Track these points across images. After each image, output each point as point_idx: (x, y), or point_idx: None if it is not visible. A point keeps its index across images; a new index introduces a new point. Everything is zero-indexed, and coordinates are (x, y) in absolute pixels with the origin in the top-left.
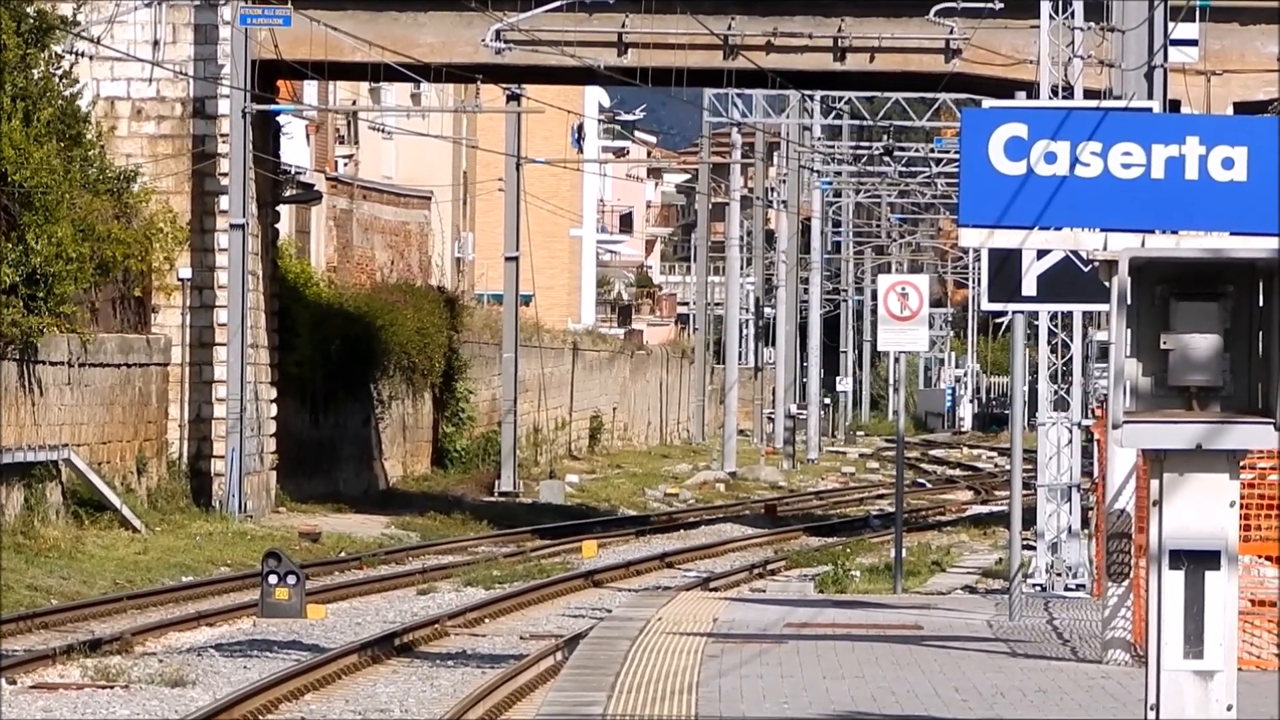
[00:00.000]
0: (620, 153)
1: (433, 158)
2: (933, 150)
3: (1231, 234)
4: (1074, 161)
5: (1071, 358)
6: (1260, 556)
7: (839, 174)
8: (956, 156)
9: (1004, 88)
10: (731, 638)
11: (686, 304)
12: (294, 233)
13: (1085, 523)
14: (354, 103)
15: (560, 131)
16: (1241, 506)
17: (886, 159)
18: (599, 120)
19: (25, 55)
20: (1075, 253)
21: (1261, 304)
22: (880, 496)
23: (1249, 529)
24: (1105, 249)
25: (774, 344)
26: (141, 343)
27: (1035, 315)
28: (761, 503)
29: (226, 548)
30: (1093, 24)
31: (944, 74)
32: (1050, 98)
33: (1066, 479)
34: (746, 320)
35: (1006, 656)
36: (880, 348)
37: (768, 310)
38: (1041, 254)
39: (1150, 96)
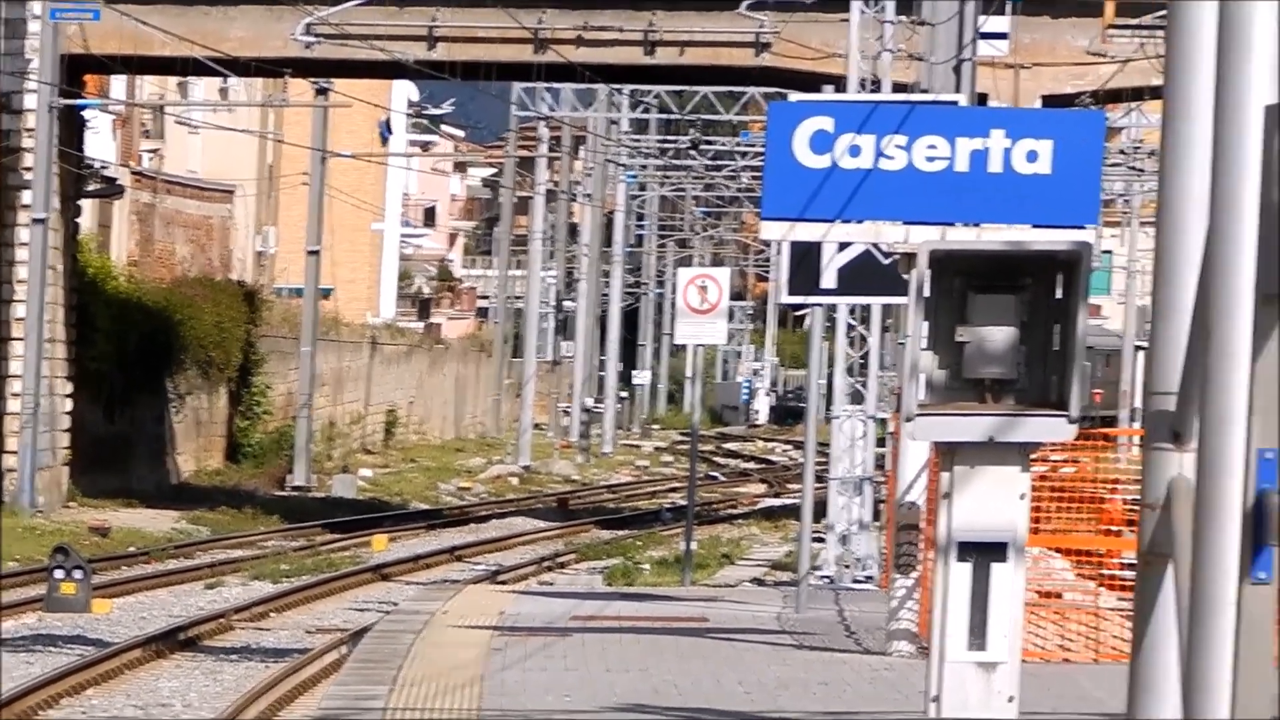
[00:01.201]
0: (427, 147)
1: (239, 152)
2: (739, 144)
3: (1034, 226)
4: (879, 155)
5: (869, 351)
6: (1049, 548)
7: (644, 167)
8: (763, 150)
9: (813, 82)
10: (517, 631)
11: (488, 297)
12: (95, 227)
13: (876, 516)
14: (161, 97)
15: (368, 126)
16: (1032, 498)
17: (693, 152)
18: (407, 115)
19: None
20: (876, 246)
21: (1059, 296)
22: (673, 490)
23: (1039, 521)
24: (906, 241)
25: (573, 337)
26: None
27: (834, 308)
28: (554, 496)
29: (16, 543)
30: (903, 18)
31: (753, 68)
32: (859, 91)
33: (860, 472)
34: (546, 314)
35: (792, 649)
36: (678, 340)
37: (568, 304)
38: (843, 247)
39: (959, 90)
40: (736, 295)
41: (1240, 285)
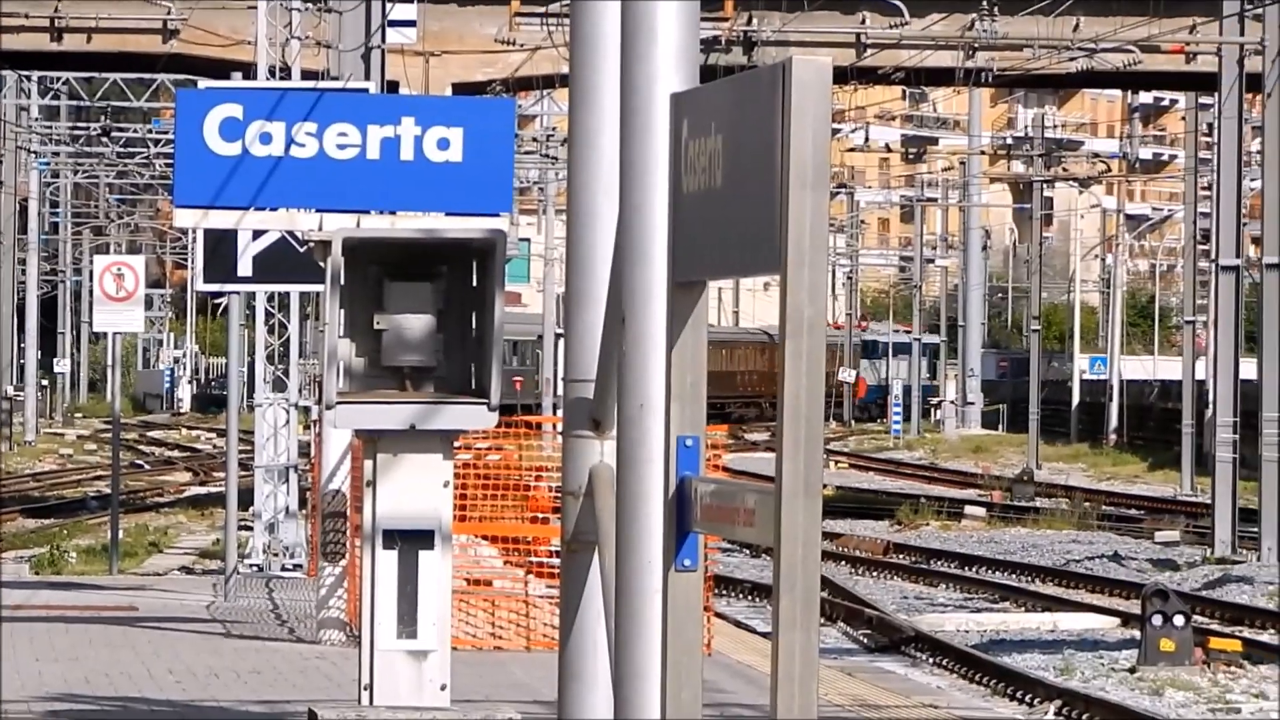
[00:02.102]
0: None
1: None
2: (151, 131)
3: (447, 214)
4: (290, 142)
5: (289, 338)
6: (477, 536)
7: (57, 154)
8: (175, 137)
9: (223, 68)
10: None
11: None
12: None
13: (303, 503)
14: None
15: None
16: (459, 486)
17: (104, 139)
18: None
19: None
20: (292, 233)
21: (475, 284)
22: (98, 478)
23: (466, 508)
24: (320, 230)
25: None
26: None
27: (253, 296)
28: None
29: None
30: (311, 5)
31: (162, 54)
32: (268, 79)
33: (284, 460)
34: None
35: (222, 638)
36: (97, 328)
37: None
38: (258, 234)
39: (368, 78)
40: (155, 283)
41: (653, 272)
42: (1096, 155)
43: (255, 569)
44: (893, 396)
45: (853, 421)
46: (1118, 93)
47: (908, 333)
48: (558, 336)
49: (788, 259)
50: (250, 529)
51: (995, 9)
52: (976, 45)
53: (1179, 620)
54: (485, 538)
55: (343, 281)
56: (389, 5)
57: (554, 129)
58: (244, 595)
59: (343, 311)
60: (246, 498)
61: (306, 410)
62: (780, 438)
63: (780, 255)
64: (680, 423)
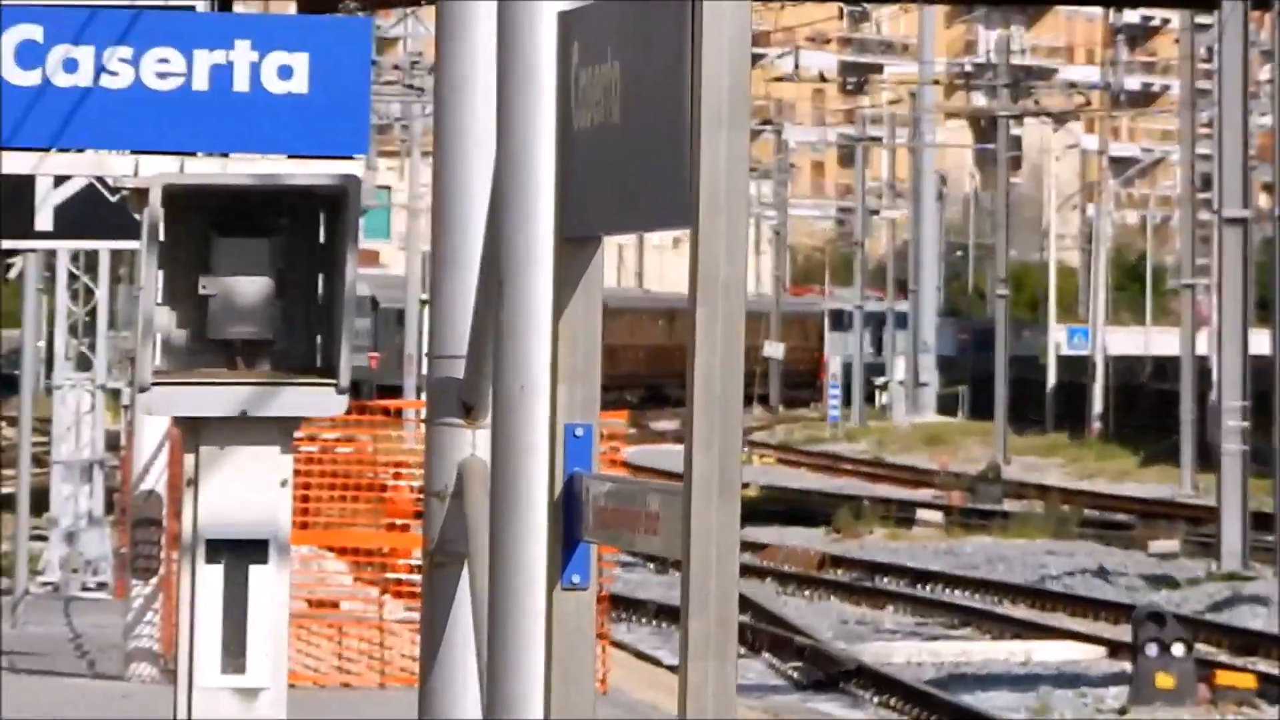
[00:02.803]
0: None
1: None
2: None
3: (290, 156)
4: (100, 70)
5: (96, 306)
6: (322, 547)
7: None
8: None
9: None
10: None
11: None
12: None
13: (109, 508)
14: None
15: None
16: (300, 486)
17: None
18: None
19: None
20: (101, 179)
21: (323, 241)
22: None
23: (309, 513)
24: (136, 175)
25: None
26: None
27: (53, 255)
28: None
29: None
30: None
31: None
32: None
33: (88, 454)
34: None
35: (9, 673)
36: None
37: None
38: (60, 180)
39: None
40: None
41: (536, 227)
42: (1074, 86)
43: (50, 589)
44: (829, 376)
45: (780, 407)
46: (1099, 11)
47: (879, 299)
48: (423, 304)
49: (699, 210)
50: (45, 539)
51: None
52: None
53: (1178, 650)
54: (332, 549)
55: (162, 237)
56: None
57: (419, 55)
58: (36, 621)
59: (161, 273)
60: (41, 501)
61: (116, 394)
62: (689, 427)
63: (690, 206)
64: (569, 408)
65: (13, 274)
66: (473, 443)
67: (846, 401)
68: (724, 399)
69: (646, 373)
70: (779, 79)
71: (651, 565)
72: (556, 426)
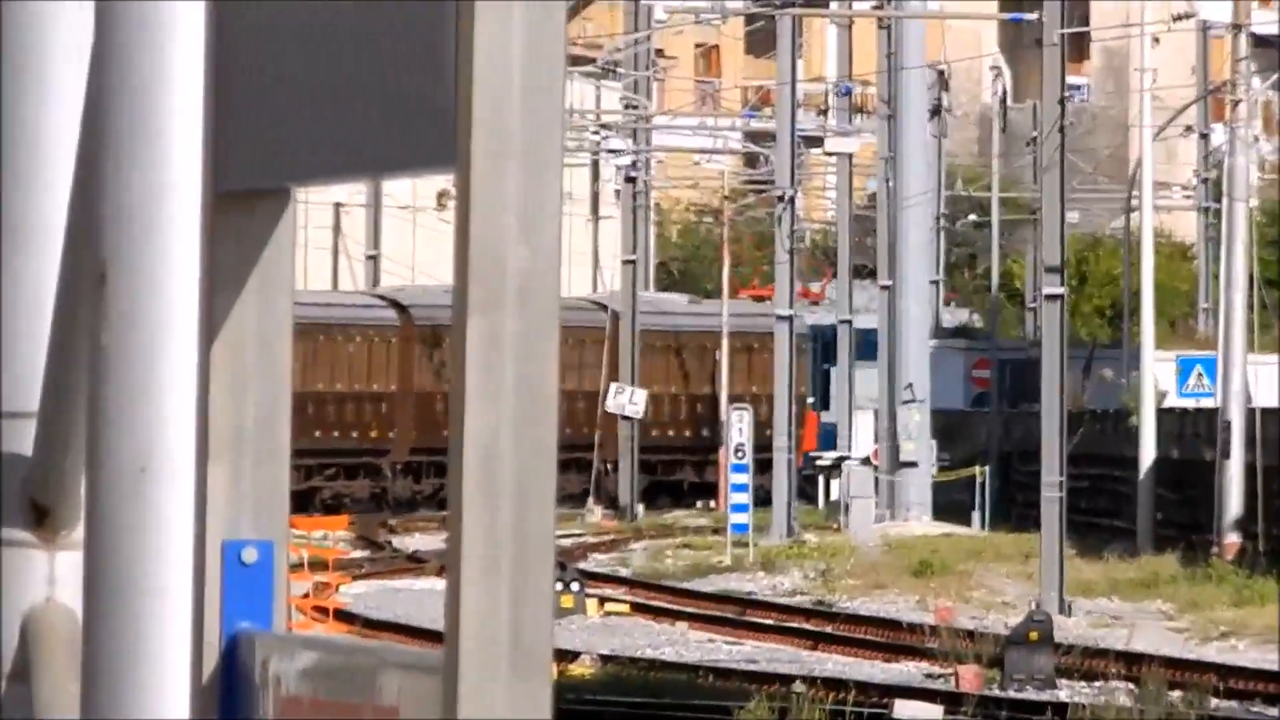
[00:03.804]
0: None
1: None
2: None
3: None
4: None
5: None
6: None
7: None
8: None
9: None
10: None
11: None
12: None
13: None
14: None
15: None
16: None
17: None
18: None
19: None
20: None
21: None
22: None
23: None
24: None
25: None
26: None
27: None
28: None
29: None
30: None
31: None
32: None
33: None
34: None
35: None
36: None
37: None
38: None
39: None
40: None
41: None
42: None
43: None
44: (729, 449)
45: (641, 509)
46: None
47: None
48: None
49: (470, 142)
50: None
51: None
52: None
53: None
54: None
55: None
56: None
57: None
58: None
59: None
60: None
61: None
62: (454, 540)
63: (458, 137)
64: (231, 506)
65: None
66: (49, 576)
67: (763, 499)
68: (518, 487)
69: (399, 440)
70: None
71: None
72: (208, 542)
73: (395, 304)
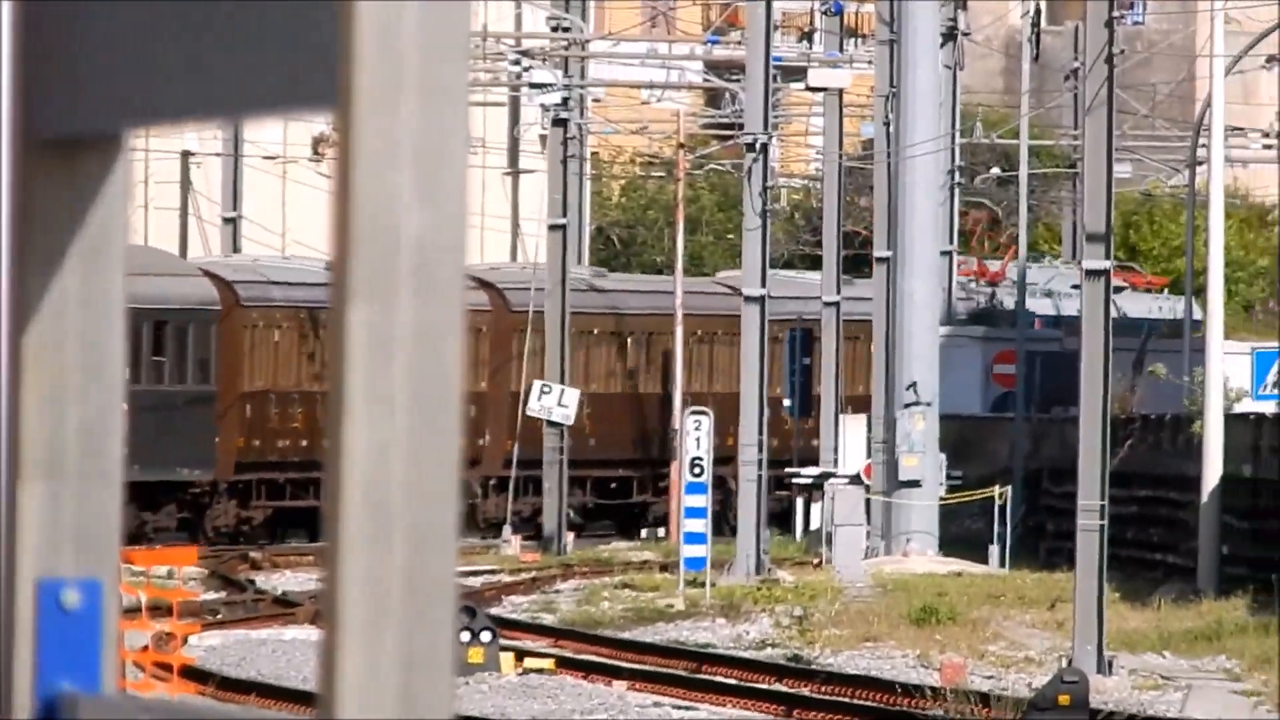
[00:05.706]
0: None
1: None
2: None
3: None
4: None
5: None
6: None
7: None
8: None
9: None
10: None
11: None
12: None
13: None
14: None
15: None
16: None
17: None
18: None
19: None
20: None
21: None
22: None
23: None
24: None
25: None
26: None
27: None
28: None
29: None
30: None
31: None
32: None
33: None
34: None
35: None
36: None
37: None
38: None
39: None
40: None
41: None
42: None
43: None
44: (683, 460)
45: (571, 539)
46: None
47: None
48: None
49: (354, 76)
50: None
51: None
52: None
53: None
54: None
55: None
56: None
57: None
58: None
59: None
60: None
61: None
62: (331, 590)
63: (338, 69)
64: (46, 538)
65: None
66: None
67: (723, 526)
68: (412, 517)
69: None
70: None
71: None
72: (18, 582)
73: (218, 279)
